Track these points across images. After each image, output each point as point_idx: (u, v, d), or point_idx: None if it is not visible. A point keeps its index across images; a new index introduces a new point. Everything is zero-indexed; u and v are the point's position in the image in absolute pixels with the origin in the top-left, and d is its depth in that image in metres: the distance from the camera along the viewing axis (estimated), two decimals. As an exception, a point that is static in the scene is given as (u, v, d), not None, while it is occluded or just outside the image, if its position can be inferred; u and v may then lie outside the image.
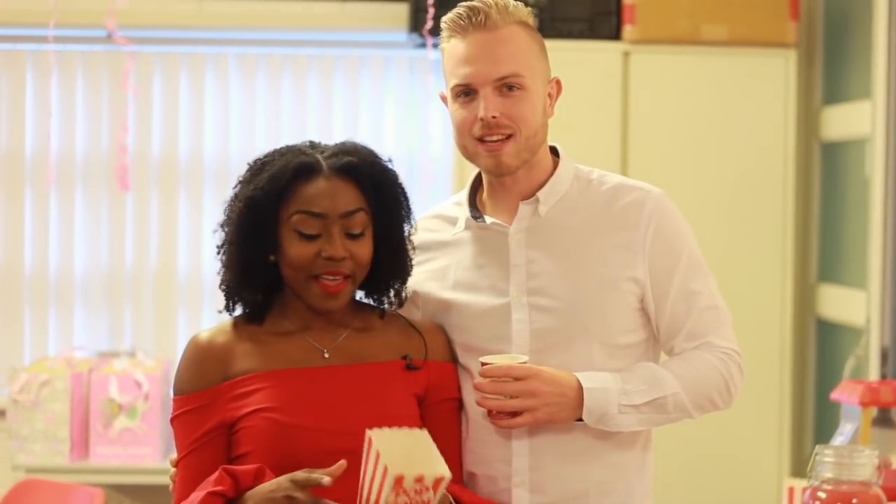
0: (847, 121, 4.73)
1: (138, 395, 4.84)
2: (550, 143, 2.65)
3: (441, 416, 2.53)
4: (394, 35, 5.22)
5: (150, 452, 4.83)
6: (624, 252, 2.55)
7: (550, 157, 2.63)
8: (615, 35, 4.92)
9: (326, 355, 2.48)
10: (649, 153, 4.85)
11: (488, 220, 2.59)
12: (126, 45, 4.89)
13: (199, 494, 2.33)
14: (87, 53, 5.35)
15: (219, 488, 2.31)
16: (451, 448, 2.53)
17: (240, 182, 2.51)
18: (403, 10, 5.12)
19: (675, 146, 4.88)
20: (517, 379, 2.44)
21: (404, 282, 2.56)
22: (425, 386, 2.52)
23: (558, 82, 2.61)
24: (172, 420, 2.48)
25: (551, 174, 2.60)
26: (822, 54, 5.04)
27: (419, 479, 2.17)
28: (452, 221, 2.66)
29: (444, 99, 2.61)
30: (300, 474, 2.27)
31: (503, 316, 2.55)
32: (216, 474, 2.34)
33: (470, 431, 2.58)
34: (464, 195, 2.66)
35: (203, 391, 2.44)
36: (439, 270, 2.63)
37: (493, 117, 2.50)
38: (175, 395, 2.48)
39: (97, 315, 5.39)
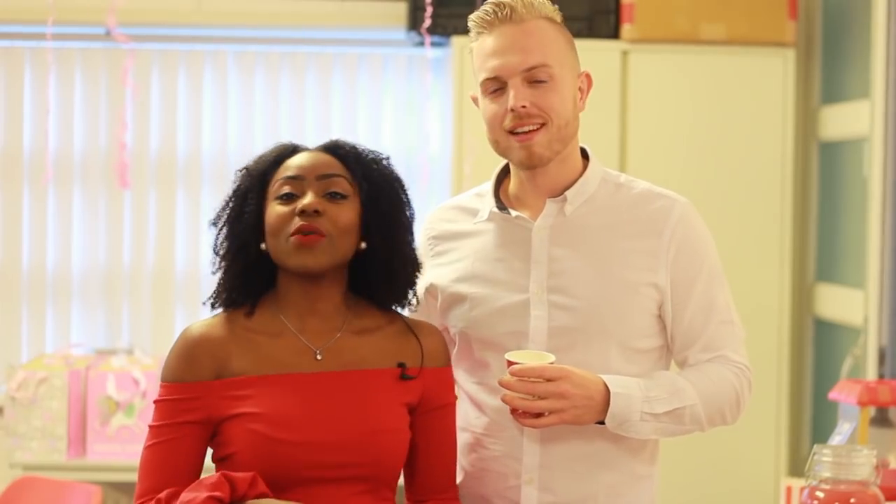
0: (845, 120, 4.73)
1: (136, 392, 4.84)
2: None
3: (434, 423, 2.49)
4: (392, 33, 5.22)
5: (148, 450, 4.82)
6: (646, 258, 2.55)
7: (580, 158, 2.63)
8: (614, 34, 4.93)
9: (319, 357, 2.44)
10: (648, 152, 4.85)
11: (513, 213, 2.58)
12: (125, 42, 4.88)
13: (197, 496, 2.29)
14: (85, 50, 5.35)
15: (217, 493, 2.28)
16: (445, 455, 2.52)
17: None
18: (402, 9, 5.12)
19: (674, 145, 4.88)
20: (548, 380, 2.41)
21: (411, 283, 2.50)
22: (420, 394, 2.47)
23: (588, 76, 2.60)
24: (156, 402, 2.43)
25: (580, 174, 2.60)
26: (821, 54, 5.03)
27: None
28: (473, 213, 2.65)
29: (475, 100, 2.60)
30: None
31: (521, 312, 2.54)
32: (215, 478, 2.31)
33: (483, 427, 2.58)
34: (487, 187, 2.65)
35: (193, 384, 2.41)
36: (457, 262, 2.62)
37: (523, 107, 2.50)
38: (163, 381, 2.43)
39: (95, 312, 5.38)
